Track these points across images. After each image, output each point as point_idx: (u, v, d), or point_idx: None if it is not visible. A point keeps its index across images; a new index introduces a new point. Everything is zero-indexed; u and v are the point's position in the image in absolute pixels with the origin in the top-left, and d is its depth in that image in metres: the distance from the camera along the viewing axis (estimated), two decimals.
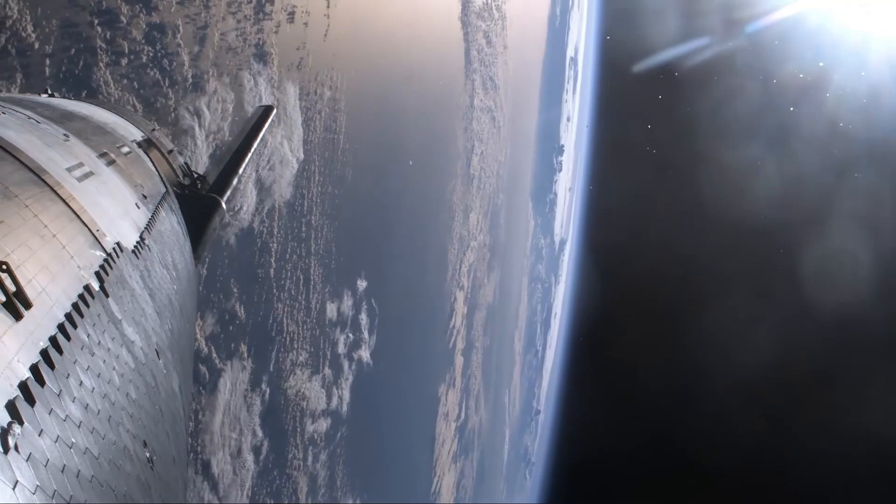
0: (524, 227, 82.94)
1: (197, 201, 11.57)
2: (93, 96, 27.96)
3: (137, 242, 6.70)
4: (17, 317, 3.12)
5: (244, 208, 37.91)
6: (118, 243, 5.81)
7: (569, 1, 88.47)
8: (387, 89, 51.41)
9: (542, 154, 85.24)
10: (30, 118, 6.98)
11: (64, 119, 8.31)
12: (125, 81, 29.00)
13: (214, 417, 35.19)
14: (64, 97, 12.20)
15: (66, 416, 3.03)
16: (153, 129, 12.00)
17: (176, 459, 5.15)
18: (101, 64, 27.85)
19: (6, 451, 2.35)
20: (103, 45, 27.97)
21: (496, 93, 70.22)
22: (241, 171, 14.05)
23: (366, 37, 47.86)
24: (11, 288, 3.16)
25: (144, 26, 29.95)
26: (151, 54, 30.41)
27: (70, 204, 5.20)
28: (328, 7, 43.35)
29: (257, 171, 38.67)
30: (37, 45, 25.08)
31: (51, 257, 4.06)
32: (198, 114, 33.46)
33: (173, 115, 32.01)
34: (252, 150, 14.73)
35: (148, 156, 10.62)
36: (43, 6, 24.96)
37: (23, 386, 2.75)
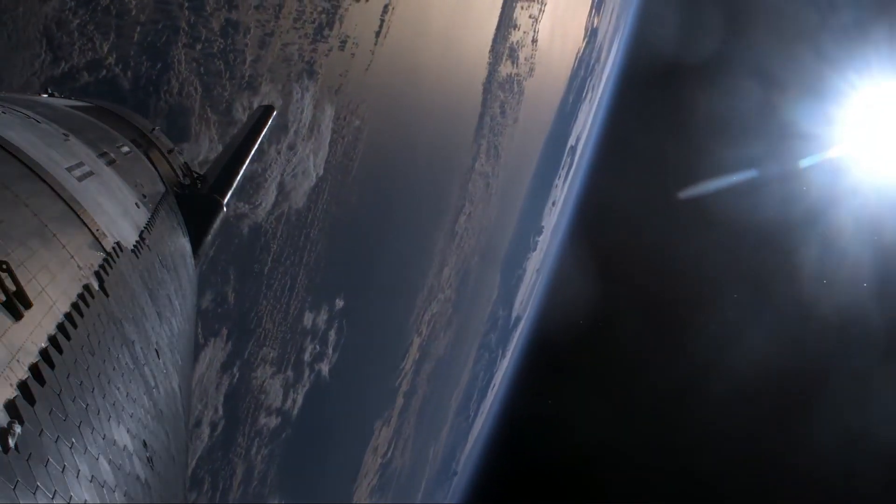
0: (488, 294, 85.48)
1: (198, 202, 11.48)
2: (166, 70, 29.94)
3: (137, 242, 6.64)
4: (17, 317, 3.10)
5: (263, 205, 39.93)
6: (118, 243, 5.77)
7: (582, 93, 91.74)
8: (403, 131, 54.62)
9: (522, 230, 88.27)
10: (30, 118, 6.94)
11: (64, 118, 8.24)
12: (194, 64, 31.38)
13: None
14: (64, 97, 12.03)
15: (66, 415, 3.02)
16: (153, 129, 11.88)
17: (175, 459, 5.14)
18: (179, 43, 30.25)
19: (6, 451, 2.35)
20: (185, 28, 30.54)
21: (496, 161, 73.46)
22: (241, 171, 13.84)
23: (399, 79, 51.37)
24: (11, 288, 3.13)
25: (223, 20, 32.63)
26: (221, 46, 32.96)
27: (70, 204, 5.18)
28: (375, 45, 46.95)
29: (282, 174, 40.80)
30: (133, 12, 27.67)
31: (51, 257, 4.02)
32: (248, 110, 35.64)
33: (225, 105, 34.08)
34: (252, 150, 14.50)
35: (148, 156, 10.56)
36: None
37: (23, 386, 2.75)
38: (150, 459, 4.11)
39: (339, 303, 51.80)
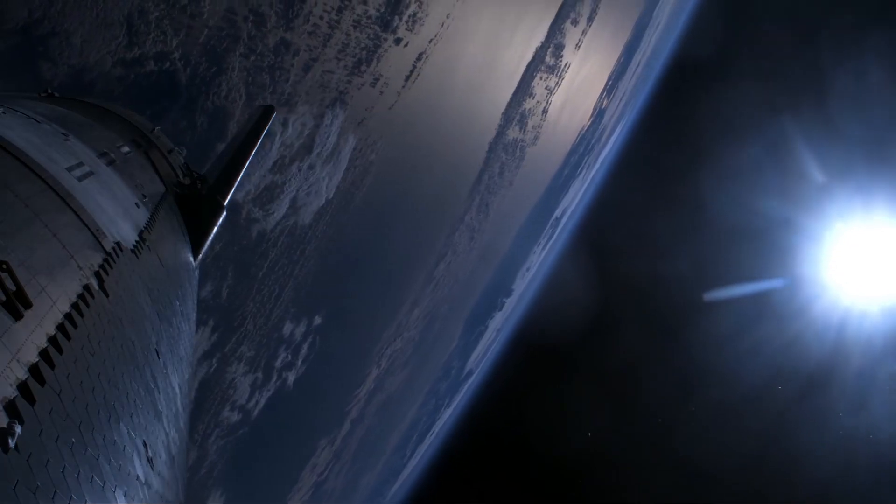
0: (448, 343, 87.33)
1: (198, 202, 11.39)
2: (220, 74, 32.04)
3: (137, 242, 6.61)
4: (17, 317, 3.08)
5: (274, 214, 42.15)
6: (118, 243, 5.75)
7: (577, 169, 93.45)
8: (409, 171, 57.79)
9: (492, 288, 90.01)
10: (30, 118, 6.91)
11: (64, 119, 8.19)
12: (244, 74, 33.96)
13: None
14: (64, 96, 11.89)
15: (67, 415, 3.00)
16: (153, 129, 11.83)
17: (175, 458, 5.14)
18: (237, 52, 32.92)
19: (6, 450, 2.34)
20: (245, 39, 33.30)
21: (485, 218, 76.00)
22: (242, 172, 13.66)
23: (416, 123, 54.53)
24: (11, 288, 3.12)
25: (278, 38, 35.31)
26: (271, 62, 35.84)
27: (70, 203, 5.16)
28: (403, 87, 49.97)
29: (298, 190, 42.64)
30: (205, 16, 30.37)
31: (51, 257, 4.01)
32: (283, 124, 37.80)
33: None
34: (253, 151, 14.30)
35: (148, 156, 10.50)
36: None
37: (23, 386, 2.74)
38: (150, 459, 4.10)
39: (318, 319, 54.43)
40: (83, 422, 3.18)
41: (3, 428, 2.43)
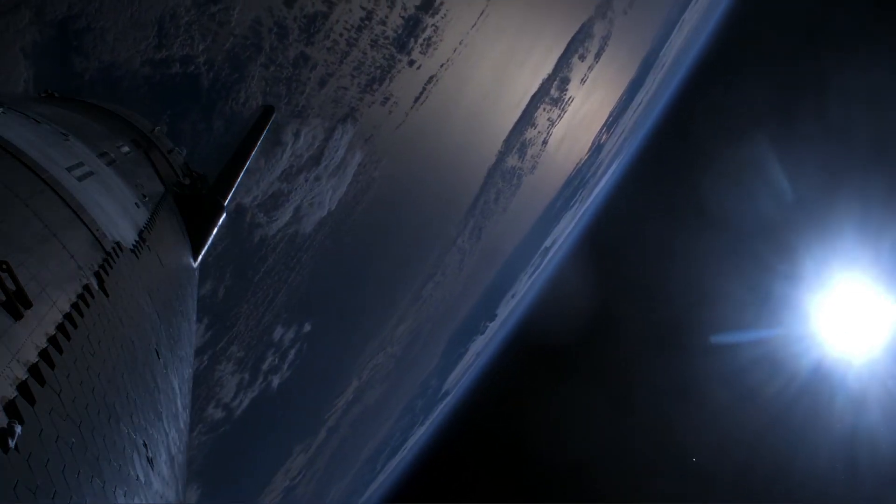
0: (428, 362, 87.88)
1: (199, 203, 11.29)
2: (240, 81, 33.33)
3: (137, 242, 6.58)
4: (17, 316, 3.07)
5: (278, 221, 43.16)
6: (118, 243, 5.72)
7: (571, 201, 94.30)
8: (407, 190, 58.91)
9: (477, 312, 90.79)
10: (30, 118, 6.89)
11: (64, 119, 8.15)
12: (263, 83, 35.06)
13: None
14: (64, 96, 11.83)
15: (67, 415, 2.98)
16: (153, 129, 11.76)
17: (175, 458, 5.12)
18: (258, 61, 34.16)
19: (6, 451, 2.33)
20: (267, 50, 34.53)
21: (476, 242, 76.80)
22: (242, 173, 13.52)
23: (420, 144, 55.73)
24: (11, 288, 3.10)
25: (298, 52, 36.51)
26: (289, 74, 37.02)
27: (70, 203, 5.14)
28: (411, 108, 51.20)
29: (302, 199, 43.40)
30: (232, 24, 31.81)
31: (51, 257, 3.99)
32: (295, 135, 38.79)
33: (274, 126, 36.45)
34: (253, 152, 14.15)
35: (148, 156, 10.44)
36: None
37: (23, 386, 2.73)
38: (150, 459, 4.09)
39: (308, 327, 55.25)
40: (83, 422, 3.18)
41: (3, 428, 2.43)
